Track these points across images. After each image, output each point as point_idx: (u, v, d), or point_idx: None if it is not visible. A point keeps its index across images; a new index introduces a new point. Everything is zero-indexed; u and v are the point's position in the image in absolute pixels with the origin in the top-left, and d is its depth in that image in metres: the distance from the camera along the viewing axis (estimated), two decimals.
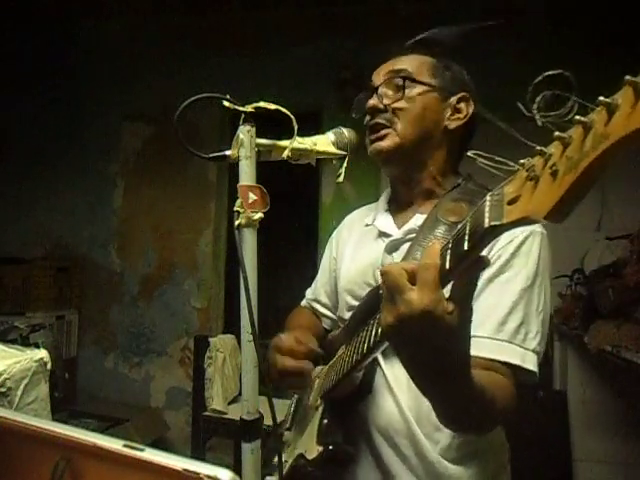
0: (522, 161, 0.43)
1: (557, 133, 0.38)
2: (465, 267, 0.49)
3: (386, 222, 1.00)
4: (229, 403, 2.71)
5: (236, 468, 0.52)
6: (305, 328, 1.08)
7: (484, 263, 0.50)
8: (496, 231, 0.44)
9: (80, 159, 3.39)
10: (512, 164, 0.44)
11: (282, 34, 3.14)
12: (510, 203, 0.43)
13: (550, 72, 0.43)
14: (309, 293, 1.23)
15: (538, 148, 0.40)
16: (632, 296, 2.01)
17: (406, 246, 0.91)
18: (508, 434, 0.94)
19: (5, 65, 3.42)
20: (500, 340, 0.78)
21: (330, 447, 0.83)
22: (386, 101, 0.93)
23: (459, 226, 0.50)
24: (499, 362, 0.77)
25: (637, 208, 2.51)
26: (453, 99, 0.95)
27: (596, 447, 2.53)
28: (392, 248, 0.94)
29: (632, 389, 2.40)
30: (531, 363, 0.79)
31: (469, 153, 0.48)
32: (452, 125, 0.95)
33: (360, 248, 1.03)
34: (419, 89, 0.93)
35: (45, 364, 0.94)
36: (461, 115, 0.95)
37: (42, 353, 0.95)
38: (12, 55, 3.44)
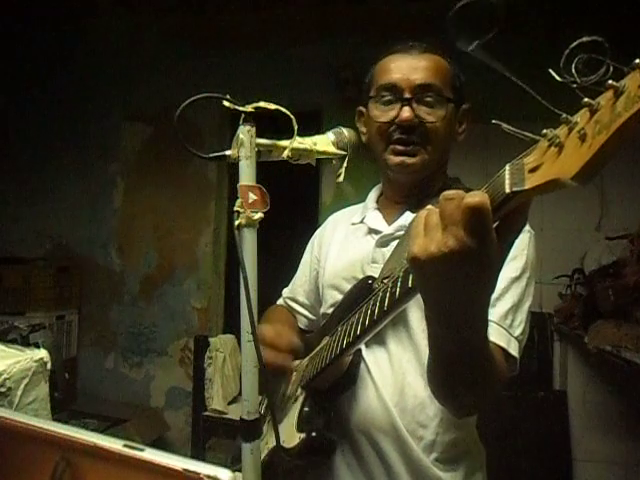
0: (545, 131, 0.43)
1: (586, 99, 0.39)
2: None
3: (376, 219, 1.01)
4: (229, 403, 2.71)
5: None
6: (284, 322, 1.07)
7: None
8: (517, 197, 0.45)
9: (80, 159, 3.39)
10: (533, 136, 0.45)
11: (282, 34, 3.13)
12: (531, 171, 0.44)
13: (585, 38, 0.43)
14: (286, 292, 1.22)
15: (564, 116, 0.41)
16: (632, 296, 2.02)
17: (396, 242, 0.91)
18: (508, 434, 0.94)
19: (5, 65, 3.41)
20: (490, 320, 0.76)
21: (313, 434, 0.80)
22: (422, 117, 0.89)
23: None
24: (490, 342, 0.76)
25: (637, 208, 2.51)
26: (461, 110, 0.96)
27: (596, 447, 2.53)
28: (382, 244, 0.95)
29: (632, 389, 2.40)
30: (514, 349, 0.79)
31: (494, 121, 0.48)
32: (460, 138, 0.98)
33: (348, 245, 1.03)
34: (448, 107, 0.91)
35: (45, 364, 0.94)
36: (465, 127, 0.98)
37: (42, 353, 0.95)
38: (12, 55, 3.44)
